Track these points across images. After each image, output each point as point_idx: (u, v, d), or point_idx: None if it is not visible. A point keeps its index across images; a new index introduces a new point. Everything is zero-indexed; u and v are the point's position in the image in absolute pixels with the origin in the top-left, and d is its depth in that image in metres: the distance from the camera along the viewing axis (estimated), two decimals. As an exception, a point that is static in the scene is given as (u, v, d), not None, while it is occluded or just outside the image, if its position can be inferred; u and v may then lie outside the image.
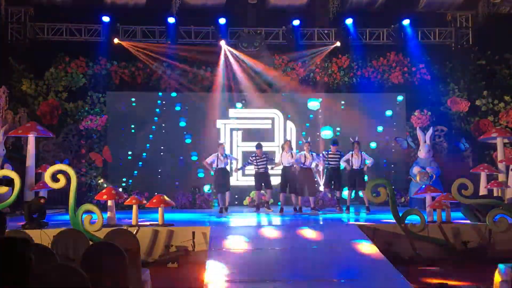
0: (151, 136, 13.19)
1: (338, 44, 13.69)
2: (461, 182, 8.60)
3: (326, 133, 13.34)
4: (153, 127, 13.29)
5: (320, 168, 11.69)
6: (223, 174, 11.11)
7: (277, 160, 11.67)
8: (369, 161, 11.22)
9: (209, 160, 11.24)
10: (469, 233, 8.46)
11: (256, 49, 13.48)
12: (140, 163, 13.15)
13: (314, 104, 13.52)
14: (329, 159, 11.31)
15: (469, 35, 14.46)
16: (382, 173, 13.09)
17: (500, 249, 8.19)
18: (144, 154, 13.16)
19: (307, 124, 13.55)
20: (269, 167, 11.27)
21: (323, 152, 11.51)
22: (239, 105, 13.56)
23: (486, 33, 13.79)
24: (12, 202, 8.50)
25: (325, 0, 13.85)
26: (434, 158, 12.50)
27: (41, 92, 12.90)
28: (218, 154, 11.09)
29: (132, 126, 13.22)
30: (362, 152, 11.28)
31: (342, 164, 11.27)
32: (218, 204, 11.33)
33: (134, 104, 13.33)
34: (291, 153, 11.12)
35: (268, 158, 11.24)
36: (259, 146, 11.27)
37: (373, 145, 13.45)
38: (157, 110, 13.36)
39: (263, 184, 11.07)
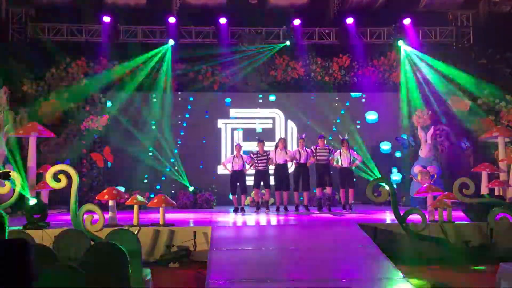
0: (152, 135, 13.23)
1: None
2: (462, 181, 8.59)
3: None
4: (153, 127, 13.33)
5: (312, 162, 11.28)
6: (237, 176, 11.04)
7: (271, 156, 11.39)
8: (357, 159, 11.24)
9: (226, 161, 11.37)
10: (471, 232, 8.45)
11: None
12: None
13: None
14: (317, 154, 11.15)
15: (470, 34, 14.49)
16: (383, 172, 13.12)
17: (501, 248, 8.18)
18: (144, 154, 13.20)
19: (308, 121, 13.54)
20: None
21: (312, 148, 11.27)
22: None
23: (487, 32, 13.80)
24: (14, 202, 8.50)
25: (325, -1, 13.91)
26: (435, 157, 12.51)
27: (42, 92, 12.91)
28: (234, 156, 11.13)
29: (133, 126, 13.24)
30: (351, 150, 11.27)
31: (333, 162, 11.21)
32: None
33: (134, 104, 13.33)
34: (285, 151, 11.13)
35: (269, 156, 11.17)
36: (260, 141, 11.25)
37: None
38: (158, 110, 13.36)
39: (262, 182, 11.05)
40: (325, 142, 11.27)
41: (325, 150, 11.14)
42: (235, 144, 11.76)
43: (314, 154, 11.11)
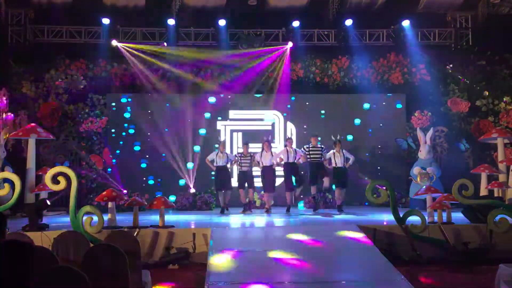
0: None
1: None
2: (462, 183, 8.60)
3: None
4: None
5: (301, 161, 11.33)
6: (222, 172, 11.17)
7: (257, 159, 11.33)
8: (351, 159, 11.24)
9: (209, 157, 11.43)
10: (470, 233, 8.44)
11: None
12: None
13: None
14: (310, 153, 11.18)
15: (469, 35, 14.50)
16: (383, 173, 13.11)
17: (501, 249, 8.18)
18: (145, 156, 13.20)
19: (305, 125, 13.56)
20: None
21: (304, 147, 11.35)
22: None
23: (486, 34, 13.82)
24: (13, 204, 8.49)
25: (325, 1, 13.88)
26: (435, 159, 12.51)
27: (41, 94, 12.90)
28: (218, 152, 11.19)
29: (132, 128, 13.22)
30: (344, 150, 11.29)
31: (325, 163, 11.23)
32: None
33: (134, 105, 13.32)
34: (271, 153, 11.18)
35: (253, 158, 11.21)
36: (245, 143, 11.40)
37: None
38: (157, 111, 13.35)
39: (246, 184, 11.14)
40: (317, 141, 11.32)
41: (317, 149, 11.18)
42: (219, 140, 11.91)
43: (307, 153, 11.14)
